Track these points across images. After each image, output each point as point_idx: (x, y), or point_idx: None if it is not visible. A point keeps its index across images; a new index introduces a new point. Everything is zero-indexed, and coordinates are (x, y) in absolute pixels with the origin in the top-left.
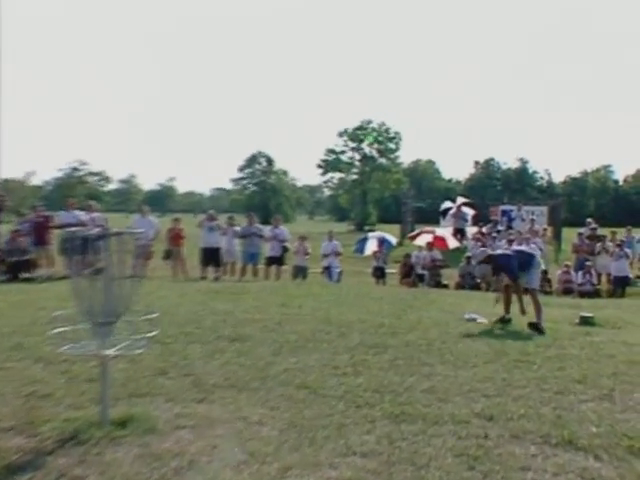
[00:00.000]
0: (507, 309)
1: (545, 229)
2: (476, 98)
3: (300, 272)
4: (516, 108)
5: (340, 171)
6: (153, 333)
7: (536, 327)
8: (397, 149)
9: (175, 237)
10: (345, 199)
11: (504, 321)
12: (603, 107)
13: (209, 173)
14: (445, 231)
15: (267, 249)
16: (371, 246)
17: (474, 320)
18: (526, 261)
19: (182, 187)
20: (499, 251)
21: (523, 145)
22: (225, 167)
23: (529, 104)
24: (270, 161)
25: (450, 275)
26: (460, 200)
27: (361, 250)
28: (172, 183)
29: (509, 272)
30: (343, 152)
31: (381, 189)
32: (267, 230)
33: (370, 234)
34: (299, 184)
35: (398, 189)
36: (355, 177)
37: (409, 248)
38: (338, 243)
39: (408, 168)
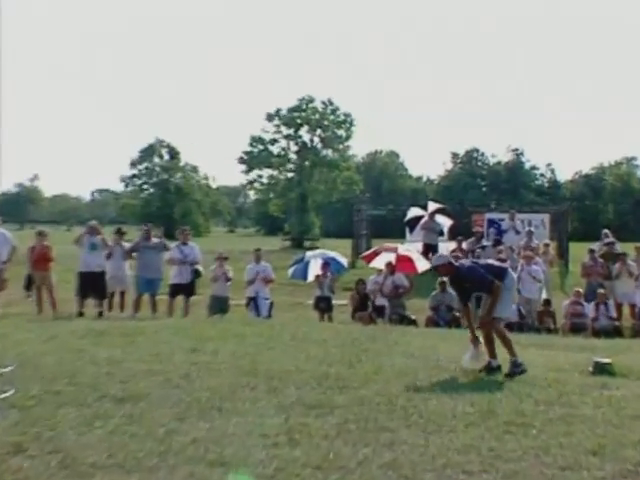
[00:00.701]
0: (492, 352)
1: (547, 245)
2: (453, 70)
3: (218, 304)
4: (507, 83)
5: (270, 167)
6: (7, 394)
7: (514, 373)
8: (348, 137)
9: (40, 258)
10: (277, 205)
11: (490, 369)
12: (623, 82)
13: (88, 170)
14: (412, 248)
15: (171, 274)
16: (313, 269)
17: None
18: (496, 278)
19: (50, 189)
20: (466, 261)
21: (517, 132)
22: (112, 162)
23: (525, 78)
24: (174, 153)
25: (419, 307)
26: (432, 206)
27: (300, 274)
28: (35, 183)
29: (477, 288)
30: (274, 141)
31: (326, 191)
32: (172, 248)
33: (311, 253)
34: (215, 185)
35: (349, 191)
36: (291, 175)
37: (364, 271)
38: (268, 265)
39: (363, 163)
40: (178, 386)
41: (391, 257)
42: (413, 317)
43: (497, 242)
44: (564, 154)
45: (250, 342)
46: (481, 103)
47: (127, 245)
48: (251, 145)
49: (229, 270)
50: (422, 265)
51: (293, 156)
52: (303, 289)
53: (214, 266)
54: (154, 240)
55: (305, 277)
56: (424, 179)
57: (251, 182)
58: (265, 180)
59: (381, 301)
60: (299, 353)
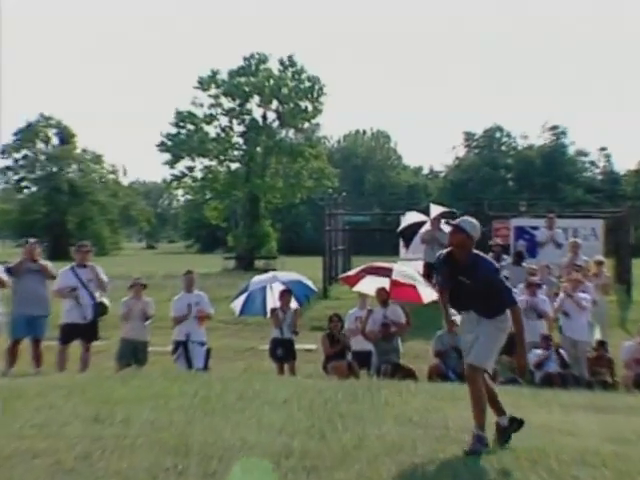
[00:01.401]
0: (498, 409)
1: (600, 263)
2: (465, 17)
3: (131, 352)
4: (541, 41)
5: (205, 155)
6: None
7: (474, 451)
8: (317, 112)
9: None
10: (217, 210)
11: (504, 432)
12: None
13: None
14: (410, 269)
15: (63, 310)
16: (268, 299)
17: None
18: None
19: None
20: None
21: (557, 104)
22: None
23: (566, 28)
24: (67, 136)
25: (419, 353)
26: (436, 210)
27: (254, 309)
28: None
29: (482, 297)
30: (211, 119)
31: (287, 189)
32: (63, 272)
33: (261, 278)
34: (127, 181)
35: (319, 189)
36: (235, 167)
37: (341, 303)
38: (204, 296)
39: (339, 149)
40: (73, 471)
41: (383, 282)
42: (411, 367)
43: (519, 257)
44: (624, 136)
45: (178, 406)
46: (505, 63)
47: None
48: (177, 125)
49: (148, 303)
50: (429, 293)
51: (238, 140)
52: (254, 329)
53: (126, 297)
54: (41, 263)
55: (264, 311)
56: (425, 171)
57: (178, 177)
58: (199, 174)
59: (365, 345)
60: (248, 420)
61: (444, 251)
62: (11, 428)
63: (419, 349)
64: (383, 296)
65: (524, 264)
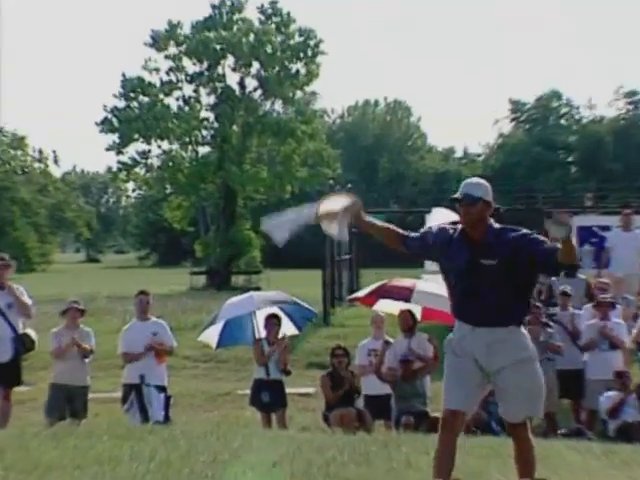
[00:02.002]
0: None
1: None
2: None
3: (65, 401)
4: None
5: (163, 137)
6: None
7: None
8: (312, 76)
9: None
10: (179, 209)
11: None
12: None
13: None
14: (434, 288)
15: None
16: (252, 327)
17: None
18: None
19: None
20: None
21: (632, 65)
22: None
23: None
24: None
25: None
26: None
27: (235, 338)
28: None
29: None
30: (171, 88)
31: (272, 181)
32: None
33: (239, 301)
34: (58, 172)
35: (316, 179)
36: (204, 151)
37: (349, 330)
38: (163, 324)
39: (342, 126)
40: None
41: (404, 305)
42: (436, 414)
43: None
44: None
45: (129, 474)
46: (561, 9)
47: None
48: (125, 96)
49: (87, 334)
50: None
51: (208, 115)
52: (232, 367)
53: (58, 328)
54: None
55: (249, 339)
56: (458, 153)
57: (128, 166)
58: (155, 162)
59: (381, 387)
60: None
61: (454, 226)
62: None
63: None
64: (408, 321)
65: (581, 275)
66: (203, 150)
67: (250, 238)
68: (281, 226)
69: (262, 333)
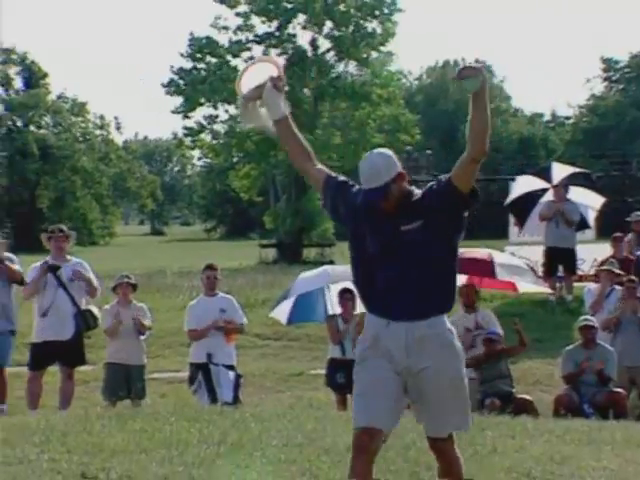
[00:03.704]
0: None
1: None
2: None
3: (121, 381)
4: None
5: (230, 100)
6: None
7: None
8: (388, 36)
9: None
10: (247, 178)
11: None
12: None
13: None
14: (513, 261)
15: (35, 323)
16: (324, 304)
17: None
18: None
19: None
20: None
21: None
22: None
23: None
24: (35, 76)
25: (540, 377)
26: (561, 173)
27: (302, 312)
28: None
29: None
30: (240, 48)
31: (346, 148)
32: (32, 270)
33: (312, 276)
34: (121, 140)
35: (394, 145)
36: None
37: None
38: (232, 300)
39: (421, 88)
40: None
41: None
42: (528, 398)
43: None
44: None
45: (198, 457)
46: None
47: None
48: (193, 57)
49: (141, 310)
50: (526, 283)
51: None
52: (305, 345)
53: (111, 304)
54: (5, 257)
55: (320, 316)
56: (545, 117)
57: (194, 132)
58: (223, 127)
59: None
60: (299, 476)
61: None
62: None
63: (540, 372)
64: (471, 296)
65: None
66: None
67: (320, 211)
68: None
69: (336, 309)
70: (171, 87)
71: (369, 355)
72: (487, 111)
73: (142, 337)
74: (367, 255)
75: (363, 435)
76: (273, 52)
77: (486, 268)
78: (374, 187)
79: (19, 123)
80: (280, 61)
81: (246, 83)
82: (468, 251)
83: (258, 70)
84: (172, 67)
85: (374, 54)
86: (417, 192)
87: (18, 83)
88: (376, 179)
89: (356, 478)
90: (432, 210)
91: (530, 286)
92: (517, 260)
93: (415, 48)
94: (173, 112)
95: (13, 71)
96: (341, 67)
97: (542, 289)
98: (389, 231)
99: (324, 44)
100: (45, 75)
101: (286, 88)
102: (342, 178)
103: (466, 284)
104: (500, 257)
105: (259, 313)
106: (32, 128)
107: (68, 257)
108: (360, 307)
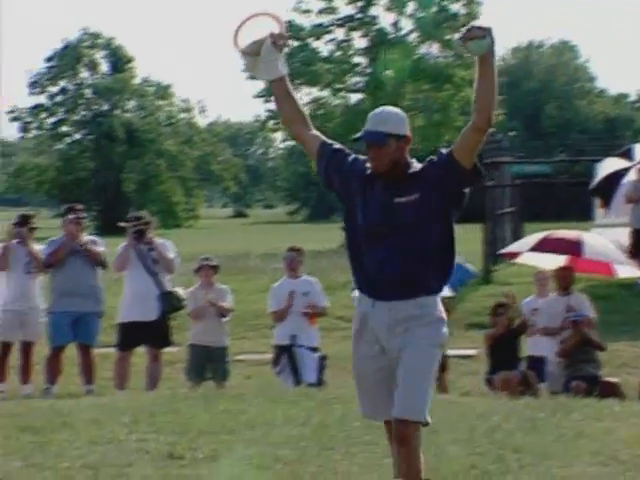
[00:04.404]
0: None
1: None
2: None
3: (204, 363)
4: None
5: (312, 83)
6: None
7: None
8: (471, 17)
9: None
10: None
11: None
12: None
13: None
14: (602, 242)
15: (122, 304)
16: None
17: None
18: None
19: None
20: None
21: None
22: None
23: None
24: (121, 60)
25: (627, 360)
26: None
27: None
28: None
29: None
30: (322, 31)
31: (430, 130)
32: (119, 253)
33: None
34: (204, 123)
35: None
36: (356, 98)
37: (513, 289)
38: (315, 282)
39: (504, 69)
40: None
41: (561, 257)
42: (615, 380)
43: None
44: None
45: (283, 437)
46: None
47: (38, 249)
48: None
49: (223, 292)
50: (624, 268)
51: (360, 60)
52: None
53: (194, 287)
54: (88, 239)
55: None
56: (631, 97)
57: (276, 115)
58: (305, 110)
59: (542, 348)
60: (382, 458)
61: (359, 157)
62: (55, 470)
63: (626, 354)
64: (568, 279)
65: None
66: (355, 97)
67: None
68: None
69: None
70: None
71: (359, 341)
72: (494, 77)
73: (224, 319)
74: (358, 229)
75: (402, 425)
76: (355, 34)
77: (574, 248)
78: (376, 130)
79: (105, 107)
80: (282, 16)
81: (244, 36)
82: (556, 232)
83: (257, 24)
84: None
85: (457, 35)
86: (416, 165)
87: (104, 67)
88: (382, 124)
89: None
90: (430, 184)
91: (628, 270)
92: (608, 242)
93: (499, 29)
94: (255, 97)
95: (100, 56)
96: (424, 49)
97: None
98: (382, 203)
99: (406, 26)
100: (131, 59)
101: (286, 46)
102: (338, 145)
103: (563, 267)
104: (592, 238)
105: (341, 295)
106: (118, 112)
107: (155, 240)
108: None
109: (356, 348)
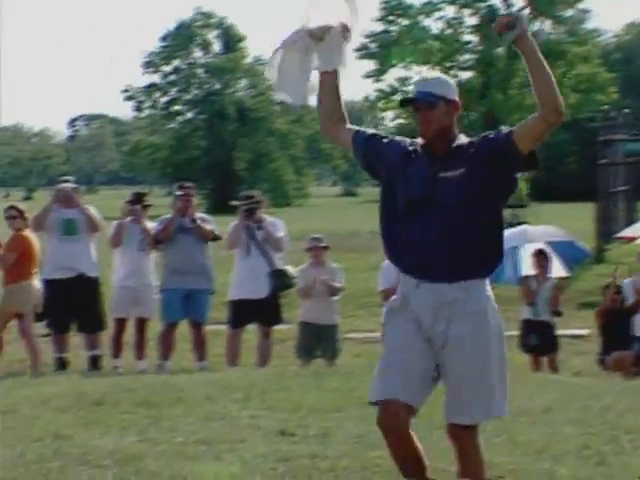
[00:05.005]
0: None
1: None
2: None
3: (314, 341)
4: None
5: (423, 62)
6: None
7: None
8: None
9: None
10: None
11: None
12: None
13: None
14: None
15: (232, 281)
16: (521, 264)
17: None
18: None
19: None
20: None
21: None
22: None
23: None
24: (233, 39)
25: None
26: None
27: (505, 274)
28: None
29: None
30: (432, 9)
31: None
32: (230, 232)
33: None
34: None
35: (588, 106)
36: (467, 76)
37: (629, 268)
38: None
39: (618, 46)
40: None
41: None
42: None
43: None
44: None
45: None
46: None
47: (151, 226)
48: (384, 19)
49: (334, 272)
50: None
51: (471, 38)
52: (498, 307)
53: (304, 265)
54: (198, 217)
55: (512, 277)
56: None
57: (386, 94)
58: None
59: None
60: (493, 438)
61: (407, 142)
62: (169, 444)
63: None
64: None
65: None
66: (465, 75)
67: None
68: (294, 88)
69: (529, 270)
70: (363, 51)
71: (396, 318)
72: (542, 64)
73: (334, 297)
74: (398, 206)
75: (386, 411)
76: (465, 12)
77: None
78: (427, 91)
79: (217, 86)
80: (360, 9)
81: (314, 14)
82: None
83: (332, 6)
84: (363, 31)
85: (570, 11)
86: (464, 138)
87: (216, 47)
88: (431, 86)
89: (400, 461)
90: (478, 159)
91: None
92: None
93: (613, 5)
94: (365, 77)
95: (212, 35)
96: (536, 25)
97: None
98: (425, 176)
99: (518, 2)
100: (242, 38)
101: (351, 41)
102: (371, 131)
103: None
104: None
105: None
106: (229, 91)
107: (266, 219)
108: (556, 270)
109: (391, 323)
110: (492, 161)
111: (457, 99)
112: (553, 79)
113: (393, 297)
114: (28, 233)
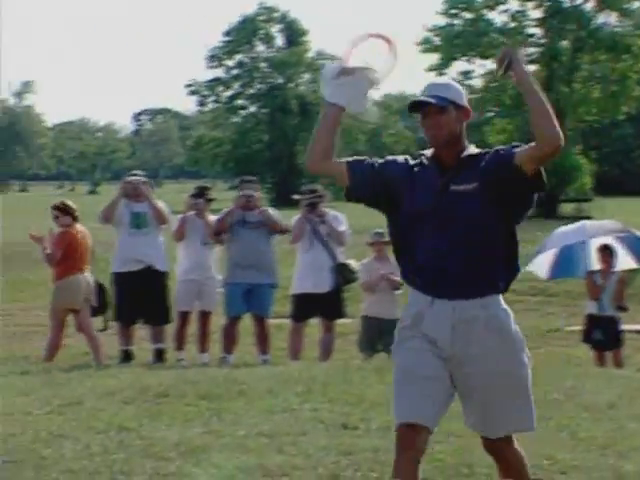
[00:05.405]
0: None
1: None
2: None
3: (377, 335)
4: None
5: (486, 55)
6: None
7: None
8: None
9: (70, 253)
10: (504, 132)
11: None
12: None
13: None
14: None
15: (295, 275)
16: (585, 259)
17: None
18: None
19: (55, 112)
20: None
21: None
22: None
23: None
24: (295, 33)
25: None
26: None
27: (566, 267)
28: (26, 101)
29: None
30: (496, 3)
31: (607, 101)
32: (294, 225)
33: (570, 231)
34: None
35: None
36: (532, 69)
37: None
38: None
39: None
40: None
41: None
42: None
43: None
44: None
45: (457, 411)
46: None
47: (213, 219)
48: (447, 13)
49: (396, 267)
50: None
51: (535, 31)
52: (563, 301)
53: (366, 260)
54: (262, 211)
55: (581, 272)
56: None
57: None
58: (478, 82)
59: None
60: (557, 433)
61: (416, 155)
62: (232, 437)
63: None
64: None
65: None
66: (530, 68)
67: (579, 163)
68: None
69: (595, 265)
70: (426, 45)
71: (409, 336)
72: (538, 96)
73: (397, 292)
74: (409, 219)
75: (406, 431)
76: (530, 5)
77: None
78: (437, 94)
79: (280, 80)
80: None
81: (355, 53)
82: None
83: (373, 47)
84: (424, 25)
85: (636, 4)
86: (474, 149)
87: (279, 41)
88: (444, 90)
89: (400, 478)
90: (490, 175)
91: None
92: None
93: None
94: (428, 70)
95: (275, 29)
96: (601, 18)
97: None
98: (435, 187)
99: None
100: (305, 32)
101: (377, 88)
102: (363, 157)
103: None
104: None
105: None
106: (292, 85)
107: (329, 213)
108: (621, 264)
109: (405, 345)
110: (497, 178)
111: (467, 106)
112: (550, 112)
113: (402, 314)
114: (76, 228)
